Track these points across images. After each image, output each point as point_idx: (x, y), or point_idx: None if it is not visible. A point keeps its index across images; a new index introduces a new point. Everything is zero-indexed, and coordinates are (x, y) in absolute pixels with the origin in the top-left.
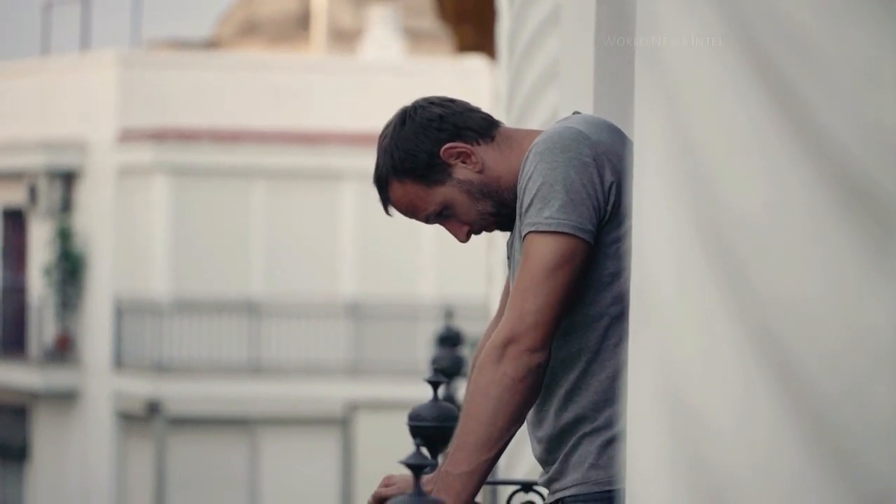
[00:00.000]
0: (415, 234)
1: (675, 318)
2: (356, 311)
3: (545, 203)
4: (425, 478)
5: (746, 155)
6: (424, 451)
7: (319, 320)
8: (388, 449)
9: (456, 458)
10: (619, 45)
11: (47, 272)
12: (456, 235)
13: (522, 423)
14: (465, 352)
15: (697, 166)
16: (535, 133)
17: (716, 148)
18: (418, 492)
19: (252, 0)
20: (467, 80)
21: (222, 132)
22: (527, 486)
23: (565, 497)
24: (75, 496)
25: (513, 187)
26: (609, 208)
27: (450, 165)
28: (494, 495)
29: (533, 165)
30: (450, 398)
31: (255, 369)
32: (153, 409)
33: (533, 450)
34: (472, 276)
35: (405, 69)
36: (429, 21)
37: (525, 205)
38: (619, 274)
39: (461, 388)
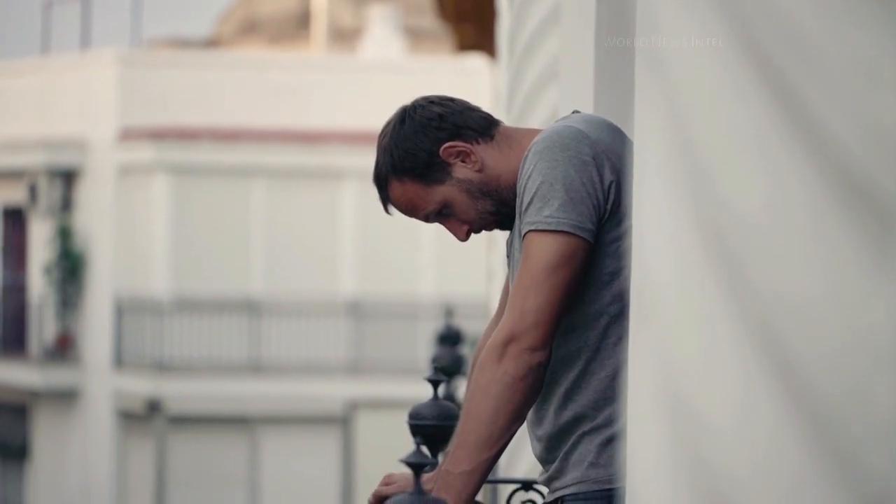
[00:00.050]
0: (415, 233)
1: (675, 318)
2: (356, 310)
3: (545, 202)
4: (425, 476)
5: (746, 155)
6: (425, 449)
7: (319, 319)
8: (388, 447)
9: (456, 457)
10: (619, 45)
11: (47, 271)
12: (455, 234)
13: (523, 421)
14: (466, 350)
15: (697, 166)
16: (534, 132)
17: (716, 148)
18: (418, 490)
19: None
20: (467, 79)
21: (222, 131)
22: (527, 485)
23: (565, 495)
24: (75, 495)
25: (512, 186)
26: (609, 207)
27: (449, 164)
28: (495, 494)
29: (532, 164)
30: (450, 397)
31: (256, 368)
32: (153, 407)
33: (533, 448)
34: (473, 275)
35: (405, 68)
36: (429, 20)
37: (525, 204)
38: (618, 272)
39: (461, 387)
